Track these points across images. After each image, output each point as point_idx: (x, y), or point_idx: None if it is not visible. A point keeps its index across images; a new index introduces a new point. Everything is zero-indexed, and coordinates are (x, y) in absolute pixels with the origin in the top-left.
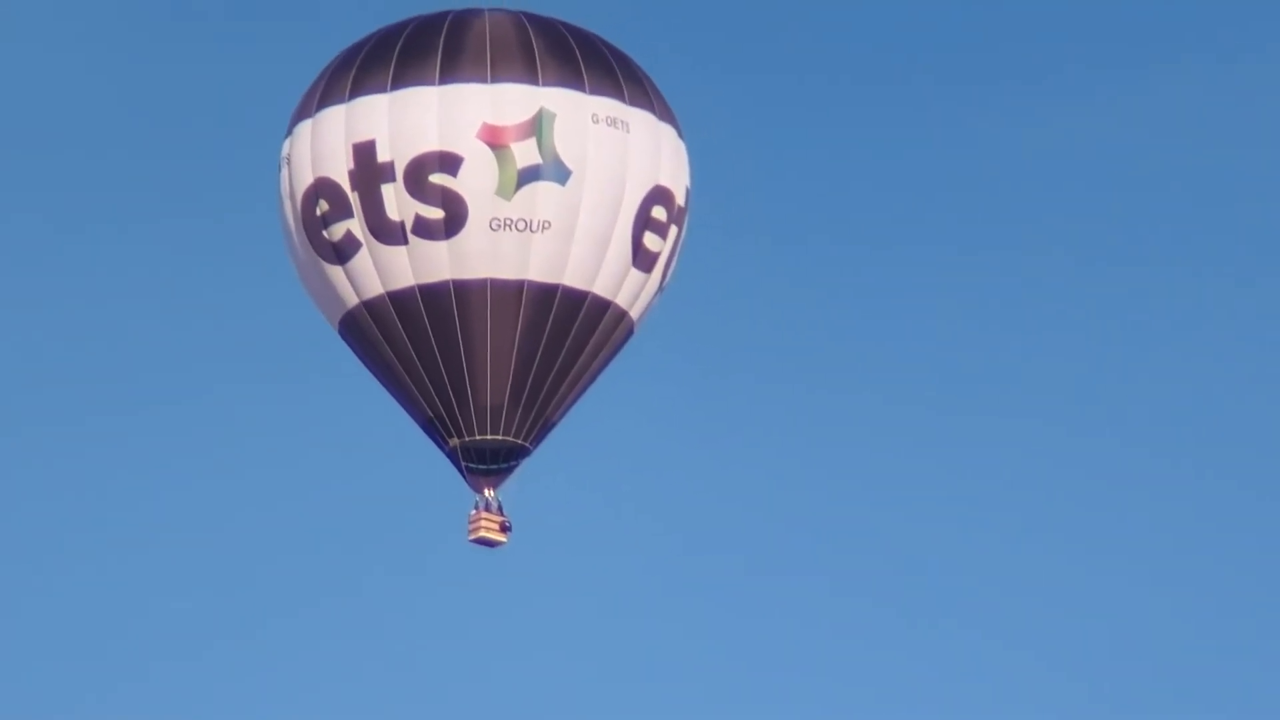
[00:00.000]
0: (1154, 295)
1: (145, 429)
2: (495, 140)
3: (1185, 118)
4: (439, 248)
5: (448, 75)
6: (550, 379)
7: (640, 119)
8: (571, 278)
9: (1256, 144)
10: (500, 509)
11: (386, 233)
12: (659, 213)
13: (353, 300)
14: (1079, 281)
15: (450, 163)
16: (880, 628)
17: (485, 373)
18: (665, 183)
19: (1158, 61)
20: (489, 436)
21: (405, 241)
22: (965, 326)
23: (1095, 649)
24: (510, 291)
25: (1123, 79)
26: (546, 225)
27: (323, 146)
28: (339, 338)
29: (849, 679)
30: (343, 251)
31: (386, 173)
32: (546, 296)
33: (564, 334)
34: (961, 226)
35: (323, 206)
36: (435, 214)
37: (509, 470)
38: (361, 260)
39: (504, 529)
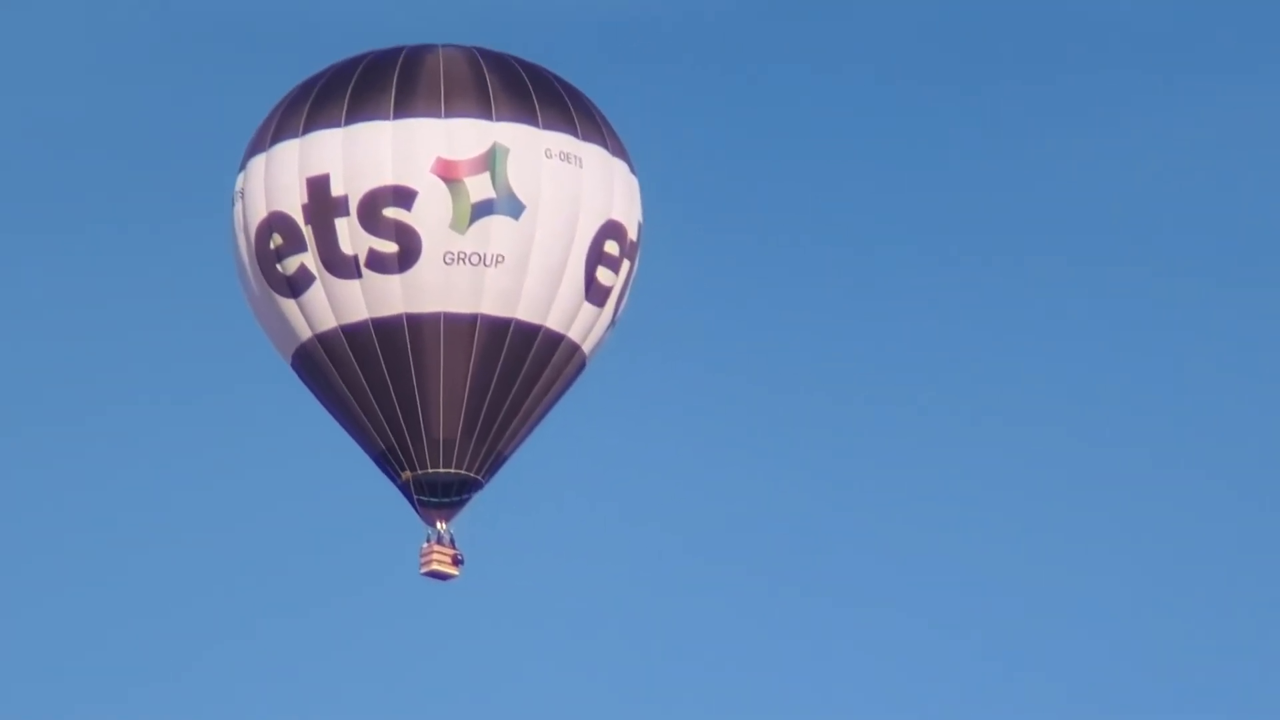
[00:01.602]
0: (1131, 297)
1: (97, 463)
2: (449, 174)
3: (1179, 122)
4: (392, 281)
5: (402, 110)
6: (503, 412)
7: (593, 154)
8: (524, 312)
9: (1266, 155)
10: (452, 542)
11: (340, 266)
12: (611, 247)
13: (306, 334)
14: (1068, 284)
15: (404, 197)
16: (855, 649)
17: (438, 406)
18: (617, 217)
19: (1141, 67)
20: (441, 470)
21: (359, 275)
22: (932, 346)
23: (1094, 649)
24: (463, 325)
25: (1096, 83)
26: (500, 259)
27: (276, 180)
28: (292, 371)
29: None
30: (296, 285)
31: (340, 207)
32: (499, 330)
33: (517, 367)
34: (925, 250)
35: (276, 240)
36: (389, 248)
37: (461, 503)
38: (315, 294)
39: (456, 562)
